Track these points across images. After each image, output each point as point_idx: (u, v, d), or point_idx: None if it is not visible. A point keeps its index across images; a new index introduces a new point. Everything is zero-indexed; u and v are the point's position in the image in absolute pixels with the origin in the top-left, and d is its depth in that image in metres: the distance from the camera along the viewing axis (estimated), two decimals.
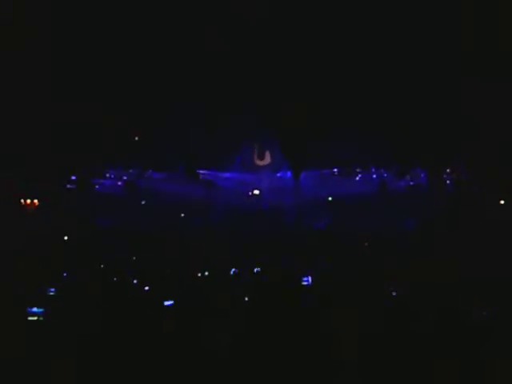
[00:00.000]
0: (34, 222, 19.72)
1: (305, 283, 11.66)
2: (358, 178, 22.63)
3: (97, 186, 21.93)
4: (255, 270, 12.53)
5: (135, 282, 12.18)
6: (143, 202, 22.26)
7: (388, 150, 20.21)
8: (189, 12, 15.08)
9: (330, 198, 22.22)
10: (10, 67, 15.13)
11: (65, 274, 12.46)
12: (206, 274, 13.00)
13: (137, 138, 20.41)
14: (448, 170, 22.09)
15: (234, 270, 12.64)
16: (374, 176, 22.65)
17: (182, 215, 21.85)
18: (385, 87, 17.40)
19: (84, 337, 7.17)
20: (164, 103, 17.91)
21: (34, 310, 8.16)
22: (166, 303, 8.74)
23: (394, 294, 9.11)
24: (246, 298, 9.52)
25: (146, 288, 11.06)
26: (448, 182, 21.95)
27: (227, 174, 22.35)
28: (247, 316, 8.39)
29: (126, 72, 16.61)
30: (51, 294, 9.25)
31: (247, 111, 18.36)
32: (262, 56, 16.48)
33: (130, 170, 22.29)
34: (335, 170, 22.53)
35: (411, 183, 22.26)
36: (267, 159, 22.25)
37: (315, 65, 16.90)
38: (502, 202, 19.76)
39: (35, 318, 8.12)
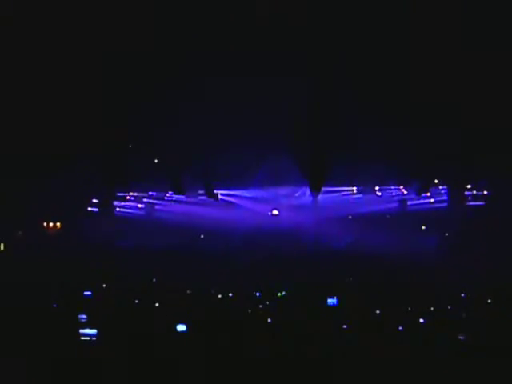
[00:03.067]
0: (56, 244, 19.91)
1: (330, 304, 11.57)
2: (377, 196, 22.46)
3: (117, 209, 22.08)
4: (279, 294, 12.43)
5: (157, 305, 12.19)
6: (162, 224, 22.35)
7: (408, 168, 20.07)
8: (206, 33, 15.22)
9: (349, 217, 22.08)
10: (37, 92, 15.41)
11: (88, 293, 12.50)
12: (230, 295, 12.93)
13: (156, 161, 20.57)
14: (469, 186, 21.83)
15: (258, 294, 12.56)
16: (394, 193, 22.48)
17: (202, 236, 21.86)
18: (404, 105, 17.35)
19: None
20: (183, 126, 18.05)
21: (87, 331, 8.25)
22: (180, 328, 8.71)
23: (421, 321, 8.93)
24: (269, 320, 9.47)
25: (164, 311, 11.07)
26: (469, 198, 21.69)
27: (246, 195, 22.36)
28: (272, 339, 8.33)
29: (146, 96, 16.80)
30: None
31: (266, 131, 18.41)
32: (278, 74, 16.53)
33: (150, 192, 22.43)
34: (355, 188, 22.40)
35: (432, 200, 22.03)
36: (286, 179, 22.23)
37: (333, 83, 16.92)
38: None
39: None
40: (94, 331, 8.27)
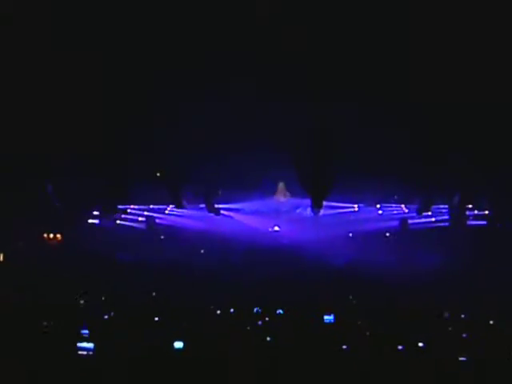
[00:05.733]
0: (56, 255, 19.91)
1: (327, 321, 11.52)
2: (378, 215, 22.45)
3: (118, 221, 22.08)
4: (278, 311, 12.37)
5: (156, 319, 12.15)
6: (162, 237, 22.34)
7: (409, 186, 20.08)
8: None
9: (350, 235, 22.05)
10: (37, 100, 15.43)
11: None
12: (231, 311, 12.88)
13: (158, 174, 20.61)
14: (470, 206, 21.82)
15: (256, 309, 12.51)
16: (395, 212, 22.47)
17: (202, 251, 21.83)
18: (404, 123, 17.40)
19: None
20: (183, 140, 18.08)
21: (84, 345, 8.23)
22: (177, 345, 8.65)
23: (420, 345, 8.85)
24: (268, 338, 9.43)
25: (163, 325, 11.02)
26: (471, 217, 21.67)
27: (248, 210, 22.36)
28: (271, 355, 8.29)
29: (147, 109, 16.86)
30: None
31: (268, 147, 18.44)
32: (280, 87, 16.58)
33: (151, 206, 22.45)
34: (356, 205, 22.40)
35: (433, 219, 22.01)
36: (287, 195, 22.26)
37: (334, 102, 16.98)
38: None
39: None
40: (91, 345, 8.23)
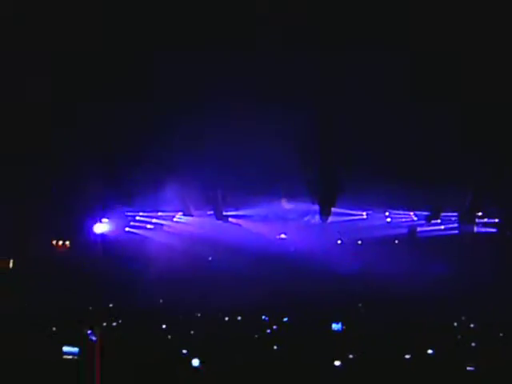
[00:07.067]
0: (64, 262, 19.96)
1: (335, 330, 11.45)
2: (387, 222, 22.33)
3: (126, 229, 22.12)
4: (284, 319, 12.33)
5: (164, 326, 12.15)
6: (172, 245, 22.34)
7: (418, 194, 19.96)
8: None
9: (359, 242, 21.94)
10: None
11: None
12: (239, 318, 12.85)
13: (166, 181, 20.63)
14: (480, 214, 21.65)
15: (264, 317, 12.47)
16: (404, 219, 22.34)
17: (210, 258, 21.82)
18: (414, 132, 17.34)
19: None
20: (191, 147, 18.11)
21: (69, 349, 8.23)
22: (195, 364, 8.57)
23: (430, 352, 8.79)
24: (275, 347, 9.39)
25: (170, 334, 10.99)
26: (480, 225, 21.50)
27: (255, 217, 22.32)
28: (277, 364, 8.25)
29: (155, 125, 16.94)
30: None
31: (276, 153, 18.42)
32: (288, 94, 16.56)
33: (159, 213, 22.47)
34: (364, 213, 22.30)
35: (442, 227, 21.86)
36: (294, 202, 22.20)
37: (342, 111, 16.95)
38: None
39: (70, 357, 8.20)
40: (75, 349, 8.22)
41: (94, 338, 9.21)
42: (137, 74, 14.70)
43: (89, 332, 9.27)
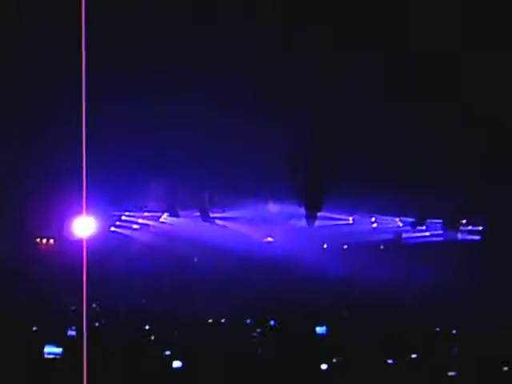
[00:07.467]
0: (48, 259, 19.80)
1: (319, 333, 11.47)
2: (373, 228, 22.44)
3: (112, 228, 21.99)
4: (271, 322, 12.30)
5: (147, 327, 12.08)
6: (157, 246, 22.24)
7: (404, 200, 20.09)
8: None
9: (345, 247, 22.03)
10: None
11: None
12: (223, 321, 12.81)
13: (152, 181, 20.54)
14: (464, 221, 21.86)
15: (249, 320, 12.44)
16: (390, 225, 22.47)
17: (195, 260, 21.76)
18: (401, 137, 17.46)
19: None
20: (178, 148, 18.07)
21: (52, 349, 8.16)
22: (175, 365, 8.52)
23: (414, 356, 8.85)
24: (260, 350, 9.38)
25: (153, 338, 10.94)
26: (465, 232, 21.71)
27: (242, 220, 22.31)
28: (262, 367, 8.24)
29: (148, 124, 16.89)
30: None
31: (262, 157, 18.45)
32: (276, 99, 16.61)
33: (145, 214, 22.36)
34: (351, 218, 22.40)
35: (427, 233, 22.02)
36: (281, 206, 22.23)
37: (331, 114, 17.02)
38: None
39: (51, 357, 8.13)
40: (59, 350, 8.15)
41: (75, 338, 9.16)
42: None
43: (71, 332, 9.22)
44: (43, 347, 8.46)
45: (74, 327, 9.30)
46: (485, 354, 8.94)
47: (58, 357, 8.24)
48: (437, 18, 13.12)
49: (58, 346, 8.36)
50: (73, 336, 9.18)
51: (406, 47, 14.15)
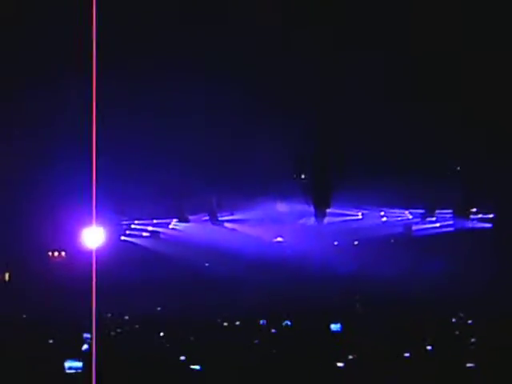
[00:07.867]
0: (61, 271, 19.90)
1: (334, 330, 11.44)
2: (382, 222, 22.35)
3: (122, 237, 22.04)
4: (284, 323, 12.29)
5: (161, 334, 12.10)
6: (168, 252, 22.27)
7: (412, 192, 20.01)
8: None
9: (355, 242, 21.95)
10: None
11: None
12: (237, 323, 12.81)
13: (161, 188, 20.56)
14: (474, 210, 21.71)
15: (263, 321, 12.43)
16: (400, 218, 22.36)
17: (207, 264, 21.76)
18: (407, 128, 17.39)
19: None
20: (186, 152, 18.09)
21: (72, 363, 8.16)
22: (194, 367, 8.52)
23: (430, 348, 8.79)
24: (274, 351, 9.37)
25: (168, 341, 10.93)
26: (475, 222, 21.56)
27: (251, 221, 22.29)
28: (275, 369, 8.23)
29: (153, 131, 16.94)
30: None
31: (270, 156, 18.44)
32: (282, 99, 16.59)
33: (155, 221, 22.40)
34: (360, 213, 22.31)
35: (437, 224, 21.90)
36: (289, 205, 22.18)
37: (338, 111, 16.97)
38: None
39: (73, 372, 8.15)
40: (79, 364, 8.14)
41: (92, 348, 9.17)
42: None
43: (88, 342, 9.22)
44: (62, 361, 8.46)
45: (88, 338, 9.31)
46: (503, 344, 8.88)
47: (79, 371, 8.23)
48: (437, 18, 13.08)
49: (78, 360, 8.34)
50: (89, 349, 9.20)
51: (406, 47, 14.12)
